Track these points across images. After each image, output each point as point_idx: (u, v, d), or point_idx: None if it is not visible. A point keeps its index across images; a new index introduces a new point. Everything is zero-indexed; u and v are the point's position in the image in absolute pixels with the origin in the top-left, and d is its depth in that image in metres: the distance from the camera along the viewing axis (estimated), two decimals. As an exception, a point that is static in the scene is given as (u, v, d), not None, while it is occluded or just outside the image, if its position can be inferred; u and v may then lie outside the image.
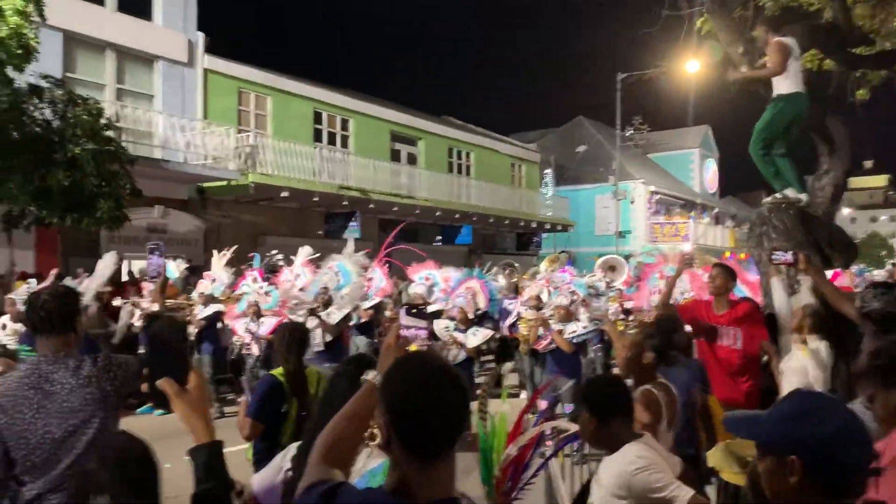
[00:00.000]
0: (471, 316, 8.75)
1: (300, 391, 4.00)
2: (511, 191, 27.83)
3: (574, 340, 7.98)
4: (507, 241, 29.03)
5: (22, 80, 11.34)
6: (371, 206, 20.40)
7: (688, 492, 2.69)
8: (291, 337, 4.16)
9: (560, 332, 7.94)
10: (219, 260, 11.89)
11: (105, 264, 7.80)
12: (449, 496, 1.46)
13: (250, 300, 10.55)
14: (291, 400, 3.97)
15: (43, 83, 11.78)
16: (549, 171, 32.15)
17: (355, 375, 2.33)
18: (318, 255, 11.87)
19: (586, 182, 34.74)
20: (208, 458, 1.39)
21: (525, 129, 39.15)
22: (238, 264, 12.46)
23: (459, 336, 8.42)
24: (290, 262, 12.08)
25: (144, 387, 1.40)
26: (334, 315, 9.67)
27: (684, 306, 5.89)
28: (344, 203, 19.55)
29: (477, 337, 8.49)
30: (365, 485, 1.91)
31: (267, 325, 10.44)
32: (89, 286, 7.40)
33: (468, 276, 9.72)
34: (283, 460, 2.46)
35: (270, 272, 12.50)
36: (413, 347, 1.94)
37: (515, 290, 12.06)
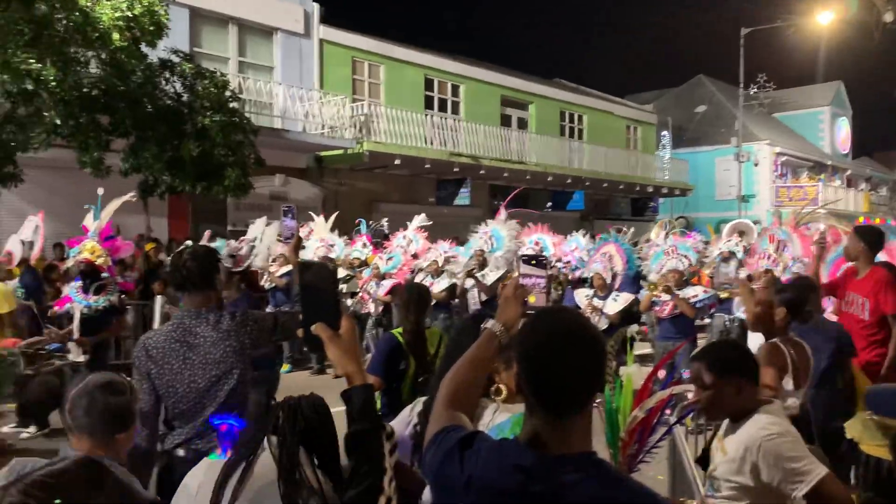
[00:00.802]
0: (608, 281, 8.60)
1: (419, 350, 4.08)
2: (626, 154, 27.06)
3: (697, 305, 7.73)
4: (622, 207, 28.33)
5: (154, 55, 12.00)
6: (481, 172, 20.39)
7: (823, 469, 2.47)
8: (411, 297, 4.24)
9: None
10: (323, 226, 12.29)
11: (270, 232, 8.03)
12: (583, 451, 1.45)
13: (374, 264, 11.01)
14: (410, 358, 4.06)
15: (173, 58, 12.44)
16: (666, 133, 30.98)
17: (476, 330, 2.36)
18: (429, 222, 12.10)
19: (706, 144, 33.26)
20: (361, 400, 1.43)
21: (641, 90, 37.86)
22: (349, 231, 12.87)
23: (599, 303, 8.30)
24: (395, 229, 12.39)
25: (300, 332, 1.44)
26: (489, 276, 9.94)
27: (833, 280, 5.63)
28: (455, 169, 19.64)
29: (618, 302, 8.34)
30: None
31: (384, 287, 10.82)
32: (260, 251, 7.72)
33: (605, 240, 9.54)
34: (411, 414, 2.52)
35: (378, 238, 12.85)
36: (532, 298, 1.93)
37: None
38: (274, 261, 10.30)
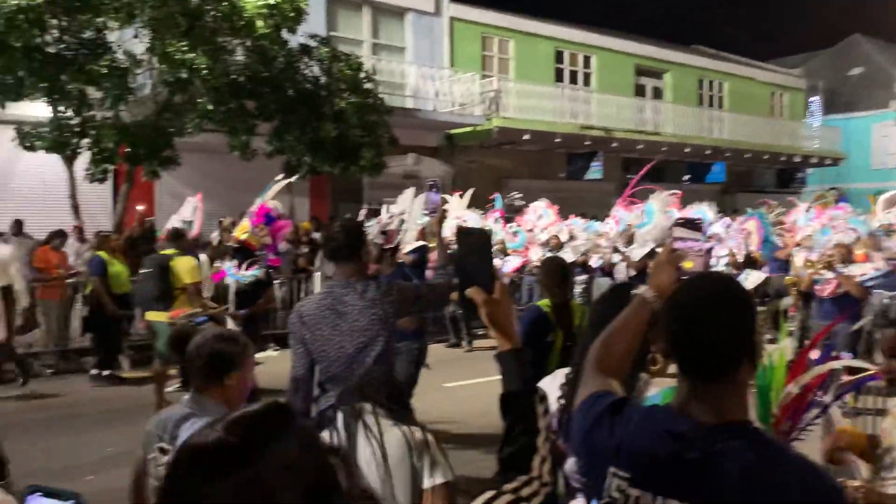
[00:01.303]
0: (740, 259, 8.24)
1: (565, 322, 4.11)
2: (770, 122, 25.47)
3: (866, 284, 7.11)
4: (766, 178, 26.75)
5: (294, 41, 12.54)
6: (614, 144, 19.87)
7: None
8: (554, 270, 4.33)
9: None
10: (458, 202, 12.42)
11: (416, 207, 8.23)
12: (736, 420, 1.41)
13: (498, 239, 11.02)
14: (557, 331, 4.09)
15: (311, 43, 12.94)
16: (815, 98, 28.87)
17: (621, 298, 2.32)
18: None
19: (861, 109, 30.69)
20: (514, 363, 1.47)
21: (787, 54, 35.38)
22: (482, 206, 12.94)
23: None
24: (526, 204, 12.36)
25: (455, 295, 1.50)
26: (636, 251, 9.84)
27: None
28: (586, 143, 19.26)
29: (749, 280, 7.99)
30: None
31: (511, 264, 10.85)
32: (410, 228, 7.97)
33: (750, 216, 9.15)
34: (551, 385, 2.53)
35: (511, 213, 12.87)
36: (688, 263, 1.87)
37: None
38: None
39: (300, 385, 3.13)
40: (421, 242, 11.00)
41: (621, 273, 9.83)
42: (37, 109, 10.88)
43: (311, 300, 3.25)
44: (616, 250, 9.91)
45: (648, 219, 10.63)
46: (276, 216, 7.32)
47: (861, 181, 27.39)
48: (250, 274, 7.16)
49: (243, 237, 7.05)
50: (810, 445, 2.50)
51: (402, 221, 7.69)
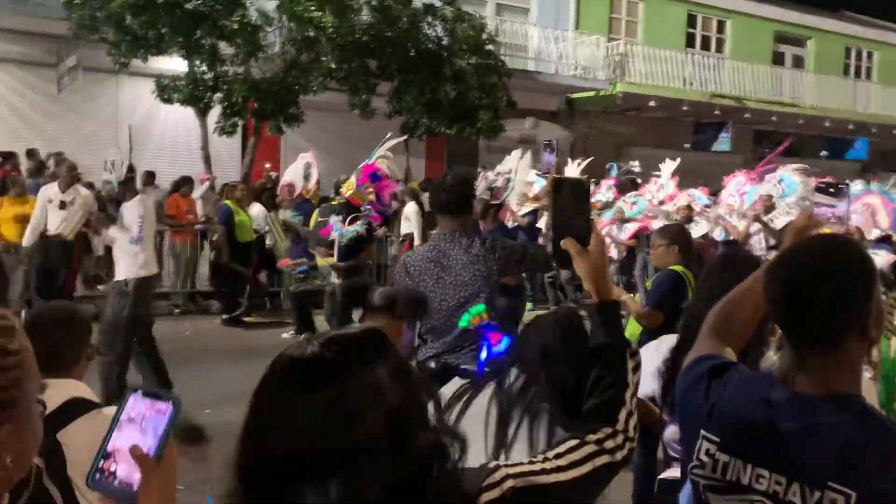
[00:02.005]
0: (869, 237, 7.65)
1: None
2: (926, 97, 23.31)
3: None
4: (914, 158, 24.60)
5: (418, 1, 12.56)
6: (746, 115, 18.82)
7: None
8: (686, 236, 4.33)
9: None
10: (574, 170, 12.12)
11: (523, 166, 8.16)
12: (842, 393, 1.30)
13: (617, 207, 10.75)
14: (692, 296, 3.97)
15: (435, 2, 12.92)
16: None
17: (737, 267, 2.19)
18: (676, 163, 11.46)
19: None
20: (608, 315, 1.41)
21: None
22: (599, 176, 12.59)
23: None
24: (646, 175, 11.89)
25: (549, 247, 1.44)
26: (779, 220, 9.41)
27: None
28: (715, 112, 18.36)
29: (877, 259, 7.40)
30: None
31: (628, 231, 10.57)
32: (516, 186, 7.94)
33: (866, 190, 8.44)
34: (658, 349, 2.44)
35: (630, 183, 12.44)
36: (826, 229, 1.73)
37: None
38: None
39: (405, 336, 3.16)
40: (535, 205, 10.86)
41: (760, 243, 9.35)
42: (174, 64, 11.48)
43: (416, 252, 3.28)
44: (757, 219, 9.37)
45: (790, 189, 10.08)
46: (382, 176, 7.42)
47: None
48: (352, 229, 7.31)
49: (348, 194, 7.22)
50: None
51: (509, 180, 7.58)
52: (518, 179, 7.82)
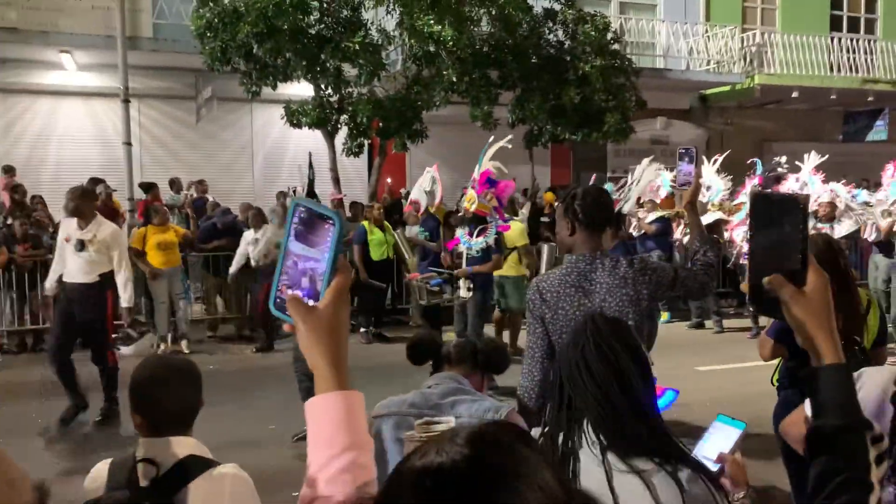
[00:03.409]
0: None
1: (847, 313, 3.35)
2: None
3: None
4: None
5: (538, 6, 12.24)
6: (904, 100, 17.13)
7: None
8: (824, 247, 3.54)
9: None
10: (710, 167, 11.32)
11: (647, 175, 7.72)
12: None
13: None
14: None
15: (555, 6, 12.55)
16: None
17: None
18: (822, 158, 10.41)
19: None
20: (833, 385, 1.05)
21: None
22: (740, 173, 11.73)
23: None
24: (795, 170, 10.89)
25: (744, 285, 1.06)
26: None
27: None
28: (869, 99, 16.85)
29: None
30: None
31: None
32: (630, 196, 7.52)
33: None
34: (869, 379, 1.96)
35: (774, 180, 11.48)
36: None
37: None
38: (641, 206, 9.86)
39: (536, 369, 2.84)
40: (664, 211, 10.23)
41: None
42: (301, 89, 11.77)
43: (552, 275, 2.93)
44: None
45: None
46: (497, 179, 7.24)
47: None
48: (480, 241, 7.18)
49: (473, 207, 7.04)
50: None
51: (629, 190, 7.13)
52: (638, 188, 7.36)
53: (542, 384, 2.83)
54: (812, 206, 9.89)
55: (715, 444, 1.88)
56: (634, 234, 10.26)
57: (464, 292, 7.18)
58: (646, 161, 7.78)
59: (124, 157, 10.84)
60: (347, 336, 1.02)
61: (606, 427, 1.65)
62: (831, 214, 9.51)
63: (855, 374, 2.08)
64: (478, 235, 7.07)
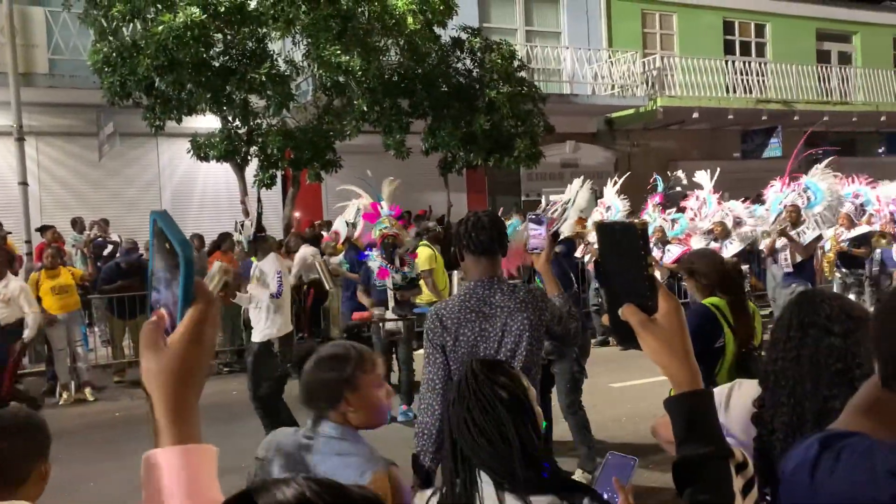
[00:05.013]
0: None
1: (741, 324, 3.49)
2: None
3: None
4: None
5: (445, 35, 12.41)
6: (795, 118, 18.10)
7: None
8: (716, 264, 3.71)
9: None
10: (611, 189, 11.69)
11: (581, 197, 7.83)
12: None
13: (656, 227, 10.24)
14: (729, 334, 3.50)
15: (462, 35, 12.76)
16: None
17: (814, 307, 1.80)
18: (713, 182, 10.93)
19: None
20: (692, 413, 1.03)
21: None
22: (644, 194, 12.14)
23: None
24: (693, 187, 11.36)
25: (605, 319, 1.05)
26: (808, 234, 8.80)
27: None
28: (763, 118, 17.74)
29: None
30: None
31: (672, 254, 10.02)
32: (570, 217, 7.62)
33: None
34: (731, 398, 2.04)
35: (677, 199, 11.93)
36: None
37: None
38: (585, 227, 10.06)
39: (436, 402, 2.76)
40: (570, 233, 10.43)
41: (786, 260, 8.68)
42: (209, 121, 11.53)
43: (451, 301, 2.89)
44: (783, 233, 8.72)
45: (817, 198, 9.48)
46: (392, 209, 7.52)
47: None
48: (407, 271, 7.25)
49: (391, 232, 7.14)
50: None
51: (565, 210, 7.28)
52: (573, 211, 7.51)
53: (442, 420, 2.78)
54: (706, 226, 10.32)
55: (609, 479, 1.89)
56: (586, 259, 10.30)
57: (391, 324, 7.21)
58: (577, 181, 7.91)
59: (20, 198, 10.34)
60: (201, 378, 0.89)
61: (500, 474, 1.68)
62: (724, 233, 9.93)
63: (729, 386, 2.15)
64: (401, 264, 7.14)
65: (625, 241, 1.07)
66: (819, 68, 19.32)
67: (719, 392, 2.09)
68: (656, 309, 1.06)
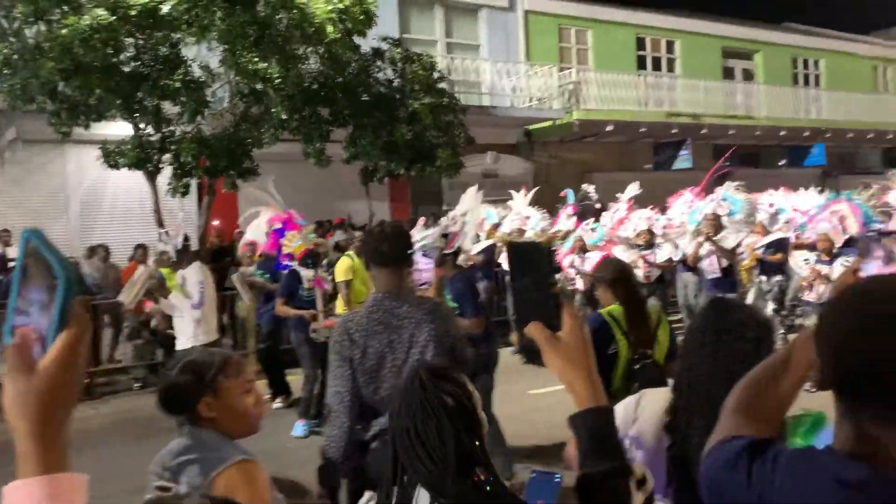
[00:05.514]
0: (838, 245, 7.50)
1: (635, 330, 3.54)
2: (874, 99, 23.72)
3: None
4: (871, 159, 24.96)
5: (366, 45, 12.38)
6: (703, 131, 18.91)
7: None
8: (615, 269, 3.78)
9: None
10: (521, 200, 11.94)
11: (474, 211, 7.89)
12: None
13: (576, 236, 10.53)
14: (621, 341, 3.53)
15: (383, 45, 12.76)
16: (924, 70, 26.74)
17: (728, 315, 1.87)
18: (639, 191, 11.32)
19: (978, 78, 28.24)
20: (595, 430, 1.05)
21: (892, 24, 32.98)
22: (560, 204, 12.44)
23: (824, 269, 7.28)
24: (610, 199, 11.75)
25: (514, 337, 1.07)
26: (729, 239, 9.10)
27: None
28: (673, 131, 18.42)
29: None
30: None
31: (592, 261, 10.28)
32: (468, 231, 7.65)
33: (834, 198, 8.37)
34: (637, 410, 2.09)
35: (586, 208, 12.30)
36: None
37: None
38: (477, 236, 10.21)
39: (344, 415, 2.73)
40: (489, 241, 10.58)
41: (712, 265, 8.99)
42: (120, 128, 11.11)
43: (359, 314, 2.86)
44: (709, 239, 9.05)
45: (736, 206, 9.93)
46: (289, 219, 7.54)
47: (982, 156, 25.16)
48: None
49: (310, 245, 7.08)
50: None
51: (465, 223, 7.33)
52: (470, 225, 7.58)
53: (351, 432, 2.73)
54: (630, 235, 10.64)
55: (534, 500, 1.91)
56: (464, 265, 10.43)
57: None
58: (471, 190, 7.98)
59: None
60: (72, 404, 0.85)
61: (435, 490, 1.66)
62: (650, 241, 10.24)
63: (636, 396, 2.21)
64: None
65: (533, 261, 1.10)
66: (725, 84, 20.27)
67: (627, 404, 2.15)
68: (561, 327, 1.09)
